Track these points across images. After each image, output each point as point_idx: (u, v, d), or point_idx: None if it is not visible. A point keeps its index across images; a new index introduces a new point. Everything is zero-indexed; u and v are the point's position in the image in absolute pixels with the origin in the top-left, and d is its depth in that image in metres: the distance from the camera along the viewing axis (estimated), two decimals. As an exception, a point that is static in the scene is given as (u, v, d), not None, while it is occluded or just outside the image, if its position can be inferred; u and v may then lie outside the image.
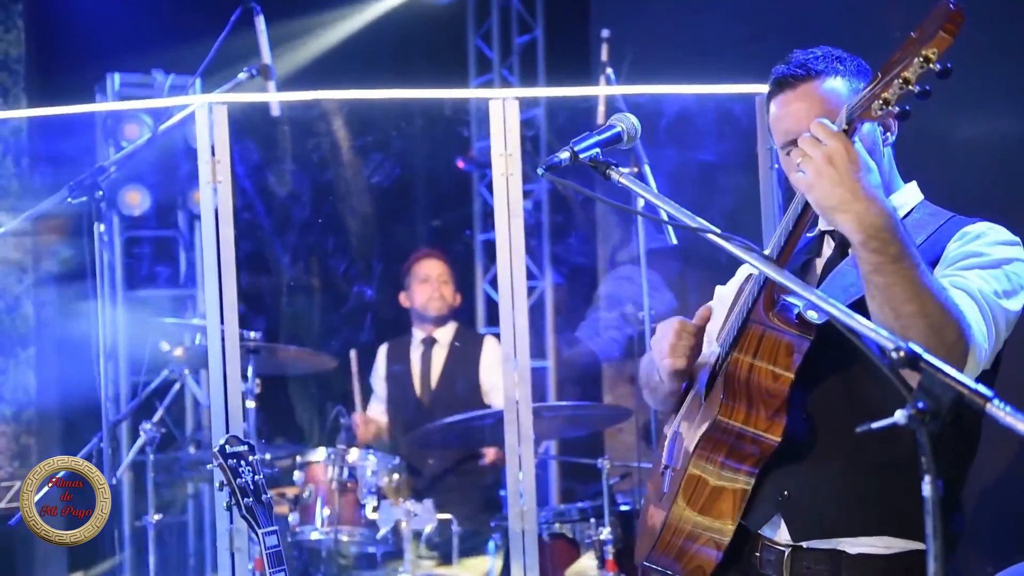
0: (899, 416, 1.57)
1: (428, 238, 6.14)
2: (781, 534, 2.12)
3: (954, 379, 1.56)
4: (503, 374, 3.44)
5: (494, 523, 4.39)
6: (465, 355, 4.98)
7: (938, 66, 1.73)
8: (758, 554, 2.14)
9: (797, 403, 2.07)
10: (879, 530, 2.06)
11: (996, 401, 1.53)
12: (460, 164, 6.21)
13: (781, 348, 2.06)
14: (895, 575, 2.05)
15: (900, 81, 1.77)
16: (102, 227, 3.72)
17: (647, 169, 3.75)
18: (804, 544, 2.10)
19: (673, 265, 4.71)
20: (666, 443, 2.40)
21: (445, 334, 5.04)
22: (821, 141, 1.88)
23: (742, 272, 2.50)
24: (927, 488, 1.58)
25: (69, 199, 3.61)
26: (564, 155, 2.04)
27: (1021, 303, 2.04)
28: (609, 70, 4.26)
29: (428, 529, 4.11)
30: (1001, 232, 2.11)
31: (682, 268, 4.05)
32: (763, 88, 3.73)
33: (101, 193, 3.63)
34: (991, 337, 1.97)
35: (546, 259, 6.43)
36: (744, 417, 2.06)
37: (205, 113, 3.39)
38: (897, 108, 1.81)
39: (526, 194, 6.39)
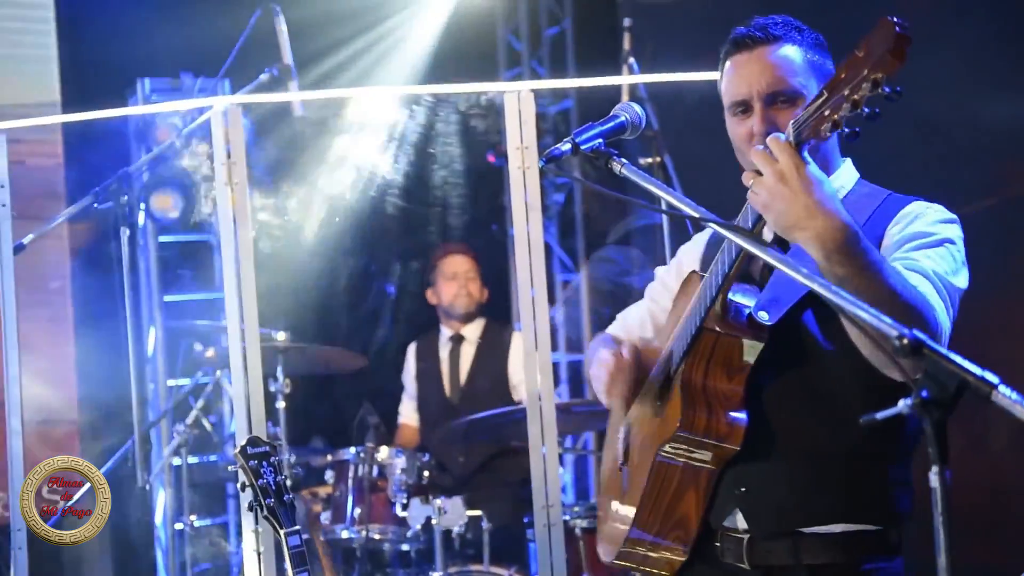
0: (903, 406, 1.55)
1: (458, 233, 6.13)
2: (740, 523, 2.15)
3: (958, 366, 1.52)
4: (526, 368, 3.41)
5: (527, 519, 4.37)
6: (494, 351, 4.97)
7: (886, 90, 1.68)
8: (718, 544, 2.17)
9: (751, 402, 2.09)
10: (833, 519, 2.10)
11: (1003, 387, 1.48)
12: (491, 159, 6.19)
13: (735, 352, 2.08)
14: (850, 550, 2.10)
15: (849, 104, 1.72)
16: (127, 232, 3.76)
17: (668, 158, 3.71)
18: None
19: (660, 244, 4.66)
20: (618, 438, 2.41)
21: (473, 331, 5.02)
22: (773, 157, 1.84)
23: (682, 253, 2.48)
24: (935, 479, 1.53)
25: (96, 204, 3.65)
26: (565, 147, 2.04)
27: (966, 279, 2.06)
28: (632, 59, 4.22)
29: (458, 526, 4.10)
30: (939, 210, 2.11)
31: (672, 247, 3.99)
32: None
33: (126, 198, 3.66)
34: (950, 317, 1.98)
35: (581, 252, 6.38)
36: (705, 425, 2.07)
37: (220, 115, 3.40)
38: (847, 129, 1.76)
39: (559, 187, 6.40)
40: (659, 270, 2.58)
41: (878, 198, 2.15)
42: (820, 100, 1.79)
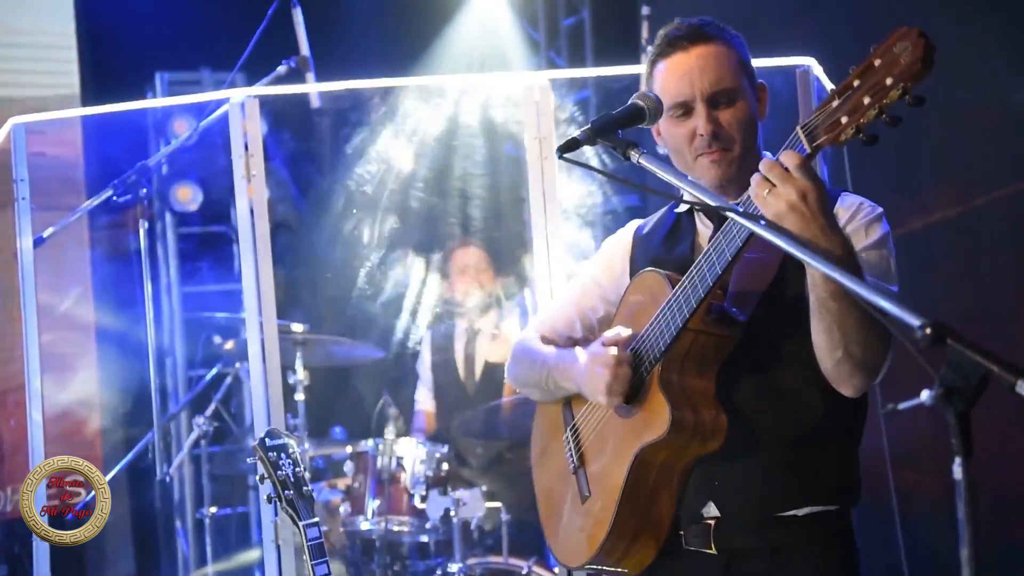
0: (925, 397, 1.52)
1: (479, 224, 6.12)
2: (709, 511, 2.15)
3: (983, 356, 1.50)
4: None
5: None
6: (509, 343, 4.94)
7: (910, 98, 1.68)
8: (682, 532, 2.17)
9: (722, 395, 2.10)
10: (804, 502, 2.13)
11: (1024, 379, 1.46)
12: (508, 150, 6.17)
13: (710, 349, 2.09)
14: (816, 530, 2.13)
15: (874, 111, 1.71)
16: (146, 224, 3.77)
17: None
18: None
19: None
20: (564, 439, 2.37)
21: (487, 322, 5.01)
22: (793, 175, 1.83)
23: (615, 250, 2.42)
24: (958, 471, 1.51)
25: (114, 197, 3.67)
26: (582, 136, 2.01)
27: (896, 280, 2.10)
28: (650, 48, 4.19)
29: (477, 518, 4.10)
30: (872, 208, 2.13)
31: None
32: (805, 61, 3.69)
33: (145, 191, 3.67)
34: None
35: (599, 243, 6.36)
36: (693, 425, 2.06)
37: (238, 108, 3.39)
38: (864, 136, 1.75)
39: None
40: (584, 267, 2.52)
41: None
42: (832, 105, 1.78)
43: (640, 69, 4.37)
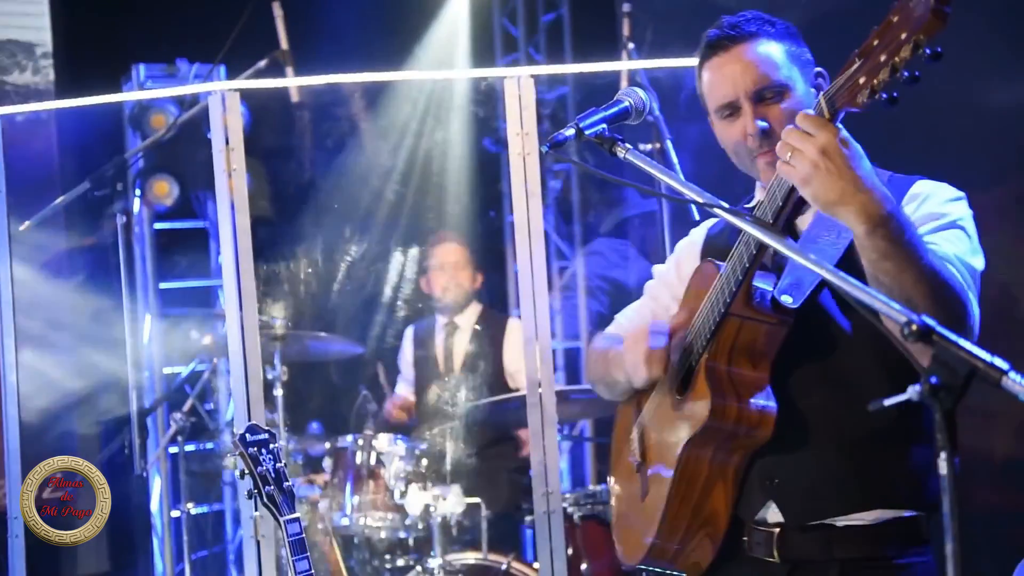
0: (912, 392, 1.53)
1: (457, 219, 6.10)
2: (771, 516, 2.10)
3: (969, 352, 1.51)
4: (525, 356, 3.40)
5: (524, 506, 4.37)
6: (489, 338, 4.95)
7: (928, 51, 1.66)
8: (746, 538, 2.13)
9: (777, 388, 2.05)
10: (868, 505, 2.06)
11: (1012, 373, 1.47)
12: (487, 145, 6.17)
13: (760, 338, 2.04)
14: (881, 542, 2.06)
15: (888, 68, 1.69)
16: (124, 218, 3.75)
17: (669, 145, 3.69)
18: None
19: (652, 231, 4.63)
20: (632, 439, 2.36)
21: (467, 319, 5.00)
22: (810, 133, 1.81)
23: (684, 252, 2.44)
24: (943, 466, 1.52)
25: (92, 191, 3.65)
26: (569, 132, 2.01)
27: (983, 260, 2.03)
28: (631, 45, 4.21)
29: (456, 514, 4.10)
30: (947, 188, 2.08)
31: (659, 233, 3.96)
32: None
33: (121, 185, 3.65)
34: (977, 300, 1.95)
35: (577, 239, 6.37)
36: (736, 414, 2.03)
37: (219, 101, 3.37)
38: (884, 95, 1.73)
39: (556, 174, 6.38)
40: (657, 268, 2.53)
41: (880, 179, 2.08)
42: (852, 68, 1.77)
43: (620, 65, 4.41)
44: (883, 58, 1.69)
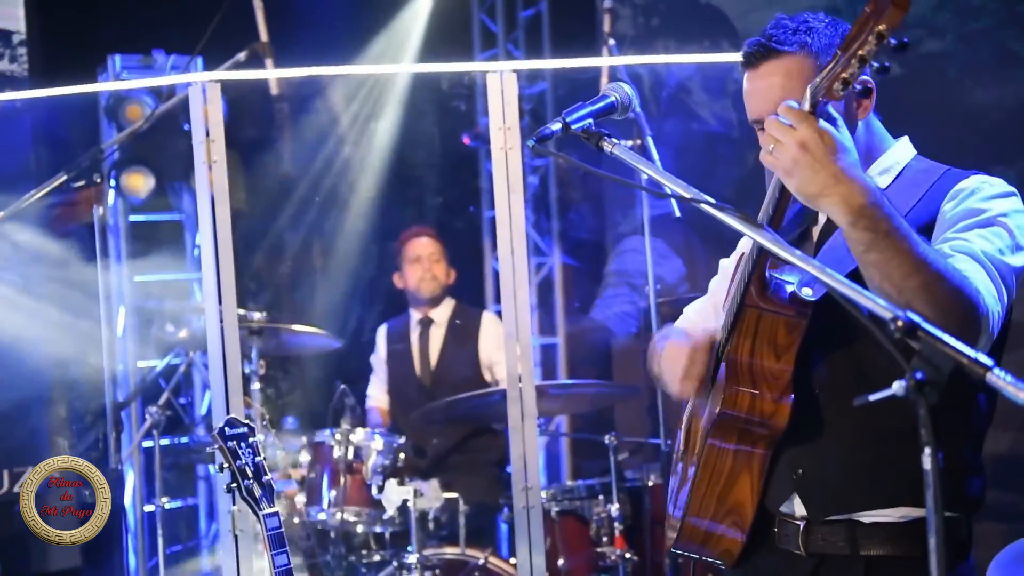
0: (897, 388, 1.54)
1: (433, 215, 6.10)
2: (797, 509, 2.11)
3: (953, 348, 1.52)
4: (506, 351, 3.40)
5: (502, 501, 4.37)
6: (464, 333, 4.94)
7: (893, 41, 1.69)
8: (776, 529, 2.13)
9: (803, 380, 2.04)
10: (893, 502, 2.04)
11: (996, 370, 1.49)
12: (466, 140, 6.16)
13: (780, 329, 2.03)
14: (909, 541, 2.03)
15: (856, 60, 1.74)
16: (102, 210, 3.71)
17: (650, 141, 3.70)
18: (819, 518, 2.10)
19: (678, 232, 4.66)
20: (682, 429, 2.38)
21: (442, 313, 4.99)
22: (791, 126, 1.82)
23: (743, 244, 2.45)
24: (927, 461, 1.54)
25: (68, 182, 3.61)
26: (555, 126, 2.00)
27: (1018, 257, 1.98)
28: (612, 41, 4.21)
29: (435, 509, 4.09)
30: (996, 184, 2.05)
31: (687, 234, 4.00)
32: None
33: (99, 176, 3.62)
34: (1002, 299, 1.91)
35: (554, 235, 6.37)
36: (749, 404, 2.03)
37: (199, 93, 3.34)
38: (859, 87, 1.77)
39: (535, 169, 6.38)
40: (722, 263, 2.53)
41: (935, 174, 2.09)
42: (834, 61, 1.81)
43: (601, 62, 4.42)
44: (855, 49, 1.73)
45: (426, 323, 4.99)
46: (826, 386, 2.07)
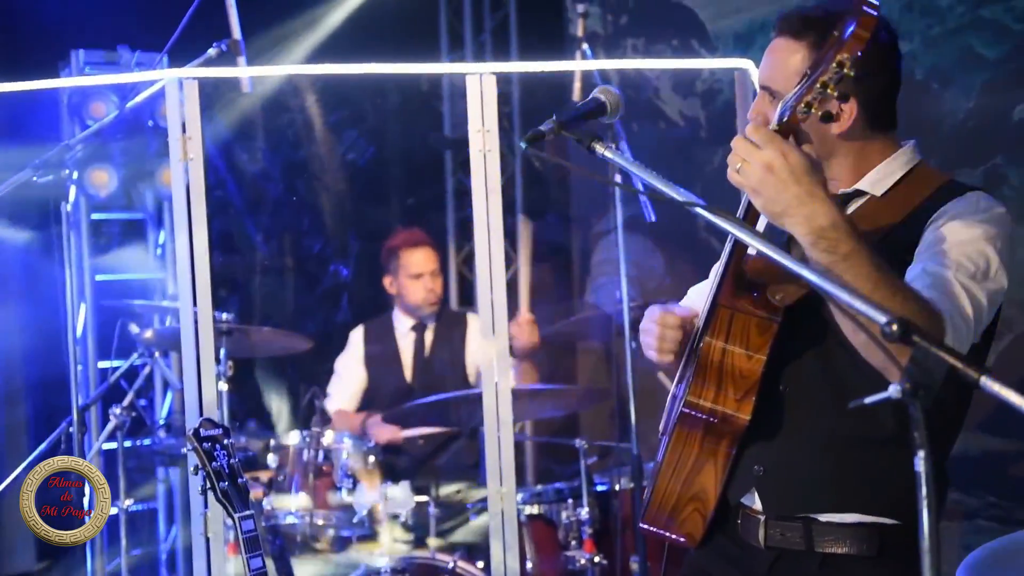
0: (892, 391, 1.56)
1: (411, 215, 6.06)
2: (757, 503, 2.16)
3: (947, 353, 1.54)
4: (481, 352, 3.39)
5: (470, 505, 4.36)
6: (451, 334, 4.92)
7: (853, 72, 1.72)
8: (739, 521, 2.18)
9: (771, 381, 2.07)
10: (847, 507, 2.08)
11: (987, 376, 1.51)
12: (434, 143, 6.14)
13: (751, 329, 2.05)
14: (862, 542, 2.08)
15: (819, 86, 1.76)
16: (68, 207, 3.65)
17: (624, 146, 3.72)
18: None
19: (648, 237, 4.67)
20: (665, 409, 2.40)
21: (432, 318, 4.97)
22: (758, 145, 1.83)
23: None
24: (920, 464, 1.56)
25: (35, 178, 3.53)
26: (548, 127, 2.01)
27: (1003, 278, 1.97)
28: (585, 45, 4.22)
29: (405, 512, 4.07)
30: (982, 203, 2.03)
31: (656, 241, 4.01)
32: (742, 63, 3.76)
33: (67, 172, 3.55)
34: (972, 321, 1.91)
35: (520, 237, 6.36)
36: (713, 398, 2.05)
37: (175, 89, 3.30)
38: (820, 112, 1.80)
39: (501, 170, 6.36)
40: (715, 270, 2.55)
41: (932, 186, 2.08)
42: (802, 83, 1.85)
43: (574, 65, 4.42)
44: (816, 76, 1.78)
45: (420, 328, 4.95)
46: (794, 387, 2.09)
